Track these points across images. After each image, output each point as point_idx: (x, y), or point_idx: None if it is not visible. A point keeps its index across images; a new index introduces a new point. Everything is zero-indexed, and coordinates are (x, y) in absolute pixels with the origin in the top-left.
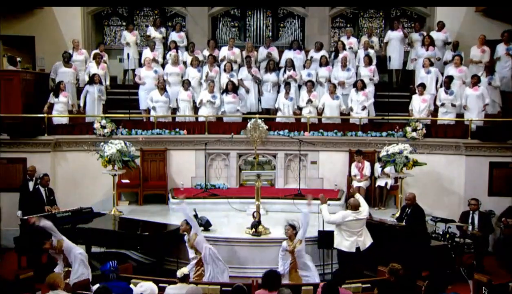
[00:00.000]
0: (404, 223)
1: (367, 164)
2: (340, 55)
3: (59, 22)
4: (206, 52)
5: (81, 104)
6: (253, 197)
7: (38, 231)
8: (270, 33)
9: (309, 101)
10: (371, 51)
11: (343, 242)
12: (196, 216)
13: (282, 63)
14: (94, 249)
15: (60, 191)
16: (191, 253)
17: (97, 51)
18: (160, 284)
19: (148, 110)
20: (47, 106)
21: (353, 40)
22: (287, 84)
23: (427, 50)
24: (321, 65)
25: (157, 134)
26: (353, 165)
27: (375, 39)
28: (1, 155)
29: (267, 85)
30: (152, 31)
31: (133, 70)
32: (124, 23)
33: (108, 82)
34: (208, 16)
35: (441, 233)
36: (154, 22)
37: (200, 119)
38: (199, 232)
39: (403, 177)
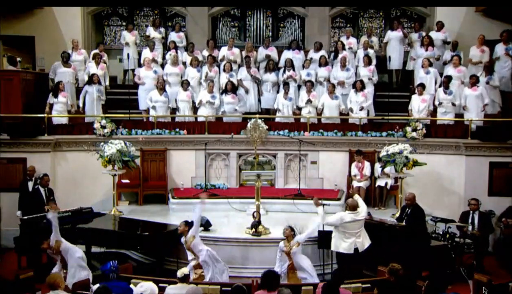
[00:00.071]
0: (404, 223)
1: (367, 164)
2: (340, 55)
3: (59, 22)
4: (206, 52)
5: (81, 105)
6: (253, 197)
7: (38, 231)
8: (270, 33)
9: (309, 101)
10: (371, 51)
11: (342, 244)
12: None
13: (282, 64)
14: (94, 249)
15: (60, 191)
16: (190, 255)
17: (96, 51)
18: (160, 284)
19: (147, 111)
20: (48, 108)
21: (353, 40)
22: (286, 84)
23: (426, 50)
24: (320, 65)
25: (157, 134)
26: (353, 165)
27: (374, 39)
28: (1, 155)
29: (266, 85)
30: (151, 31)
31: (133, 70)
32: (124, 23)
33: (107, 82)
34: (208, 16)
35: (441, 233)
36: (154, 22)
37: (200, 119)
38: (197, 235)
39: (403, 177)
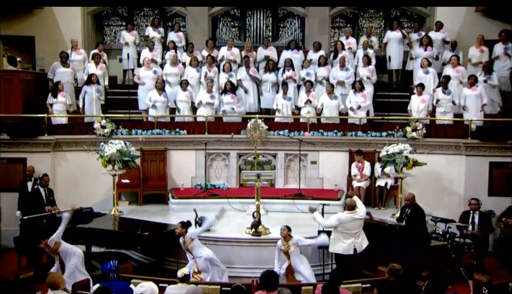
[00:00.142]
0: (404, 223)
1: (367, 164)
2: (339, 55)
3: (59, 22)
4: (205, 52)
5: (80, 105)
6: (253, 197)
7: (38, 231)
8: (270, 33)
9: (308, 101)
10: (370, 51)
11: (341, 245)
12: (196, 215)
13: (281, 64)
14: (94, 249)
15: (60, 191)
16: (189, 256)
17: (95, 51)
18: (160, 284)
19: (147, 111)
20: (48, 108)
21: (352, 40)
22: (284, 84)
23: (425, 50)
24: (319, 65)
25: (157, 134)
26: (353, 164)
27: (374, 39)
28: (1, 155)
29: (266, 85)
30: (150, 31)
31: (133, 70)
32: (124, 23)
33: (106, 82)
34: (208, 16)
35: (441, 233)
36: (152, 22)
37: (200, 119)
38: (195, 237)
39: (403, 177)
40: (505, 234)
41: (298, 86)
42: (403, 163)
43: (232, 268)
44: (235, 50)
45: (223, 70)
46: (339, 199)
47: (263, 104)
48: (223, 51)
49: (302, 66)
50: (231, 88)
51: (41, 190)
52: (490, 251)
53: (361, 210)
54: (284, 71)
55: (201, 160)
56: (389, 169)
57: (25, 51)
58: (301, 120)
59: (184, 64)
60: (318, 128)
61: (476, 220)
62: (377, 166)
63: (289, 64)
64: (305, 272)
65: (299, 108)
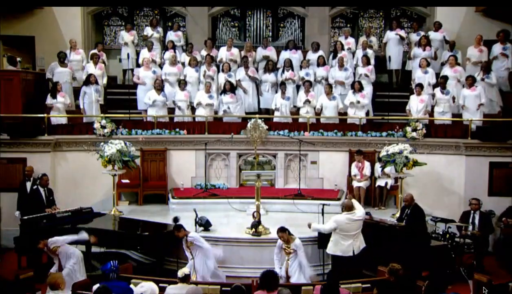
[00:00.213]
0: (404, 223)
1: (367, 164)
2: (338, 55)
3: (59, 22)
4: (204, 52)
5: (81, 106)
6: (253, 197)
7: (38, 231)
8: (270, 33)
9: (307, 101)
10: (370, 51)
11: (339, 247)
12: (196, 215)
13: (280, 64)
14: (94, 249)
15: (60, 191)
16: (189, 255)
17: (94, 51)
18: (160, 284)
19: (146, 111)
20: (47, 109)
21: (351, 40)
22: (282, 84)
23: (424, 50)
24: (318, 65)
25: (157, 134)
26: (353, 164)
27: (373, 39)
28: (1, 155)
29: (265, 85)
30: (149, 31)
31: (132, 70)
32: (124, 23)
33: (104, 81)
34: (208, 16)
35: (441, 233)
36: (151, 22)
37: (200, 119)
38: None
39: (403, 177)
40: (505, 234)
41: (297, 86)
42: (403, 163)
43: (231, 268)
44: (235, 51)
45: (222, 70)
46: (339, 199)
47: (262, 104)
48: (223, 52)
49: (301, 67)
50: (231, 88)
51: (41, 190)
52: (490, 251)
53: (359, 211)
54: (283, 71)
55: (201, 160)
56: (389, 169)
57: (25, 51)
58: (301, 120)
59: (183, 64)
60: (318, 128)
61: (477, 220)
62: (377, 166)
63: (289, 64)
64: (299, 281)
65: (298, 108)
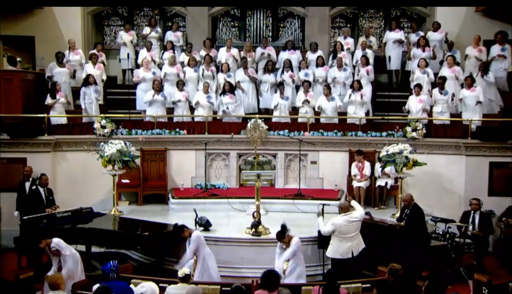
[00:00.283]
0: (403, 223)
1: (367, 164)
2: (338, 56)
3: (59, 22)
4: (203, 52)
5: (83, 107)
6: (253, 197)
7: (38, 231)
8: (270, 33)
9: (306, 101)
10: (369, 52)
11: (339, 250)
12: (196, 215)
13: (280, 64)
14: (94, 249)
15: (60, 191)
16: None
17: (94, 51)
18: (161, 284)
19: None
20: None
21: (350, 40)
22: (281, 84)
23: (423, 51)
24: (317, 65)
25: (157, 134)
26: (353, 164)
27: (373, 39)
28: (1, 155)
29: (265, 86)
30: (147, 31)
31: (132, 70)
32: (124, 23)
33: (103, 78)
34: (208, 16)
35: (441, 233)
36: (149, 22)
37: (200, 119)
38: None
39: (403, 177)
40: (505, 234)
41: (297, 87)
42: (403, 163)
43: (232, 268)
44: (234, 51)
45: (221, 71)
46: (339, 199)
47: (262, 104)
48: (222, 54)
49: (300, 68)
50: (230, 89)
51: (41, 190)
52: (490, 251)
53: (358, 211)
54: (283, 72)
55: (201, 160)
56: (389, 169)
57: (25, 51)
58: (301, 120)
59: (182, 64)
60: (318, 128)
61: (477, 220)
62: (377, 166)
63: (288, 65)
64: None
65: (296, 109)
